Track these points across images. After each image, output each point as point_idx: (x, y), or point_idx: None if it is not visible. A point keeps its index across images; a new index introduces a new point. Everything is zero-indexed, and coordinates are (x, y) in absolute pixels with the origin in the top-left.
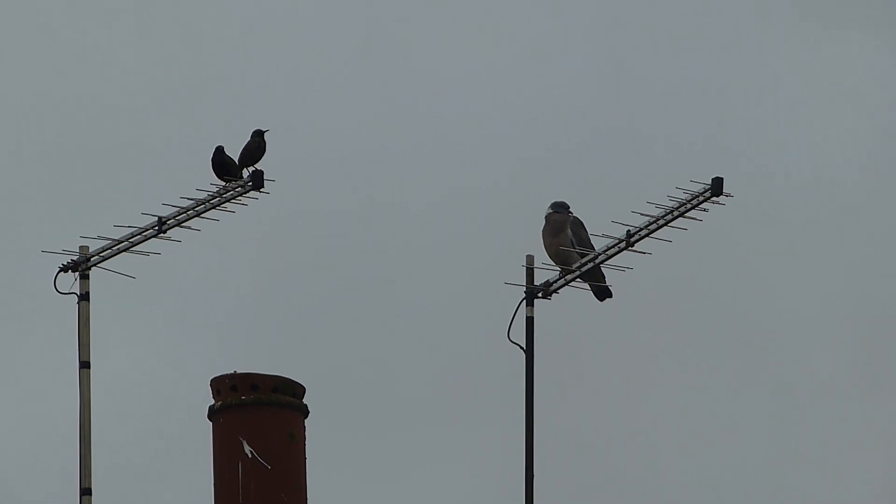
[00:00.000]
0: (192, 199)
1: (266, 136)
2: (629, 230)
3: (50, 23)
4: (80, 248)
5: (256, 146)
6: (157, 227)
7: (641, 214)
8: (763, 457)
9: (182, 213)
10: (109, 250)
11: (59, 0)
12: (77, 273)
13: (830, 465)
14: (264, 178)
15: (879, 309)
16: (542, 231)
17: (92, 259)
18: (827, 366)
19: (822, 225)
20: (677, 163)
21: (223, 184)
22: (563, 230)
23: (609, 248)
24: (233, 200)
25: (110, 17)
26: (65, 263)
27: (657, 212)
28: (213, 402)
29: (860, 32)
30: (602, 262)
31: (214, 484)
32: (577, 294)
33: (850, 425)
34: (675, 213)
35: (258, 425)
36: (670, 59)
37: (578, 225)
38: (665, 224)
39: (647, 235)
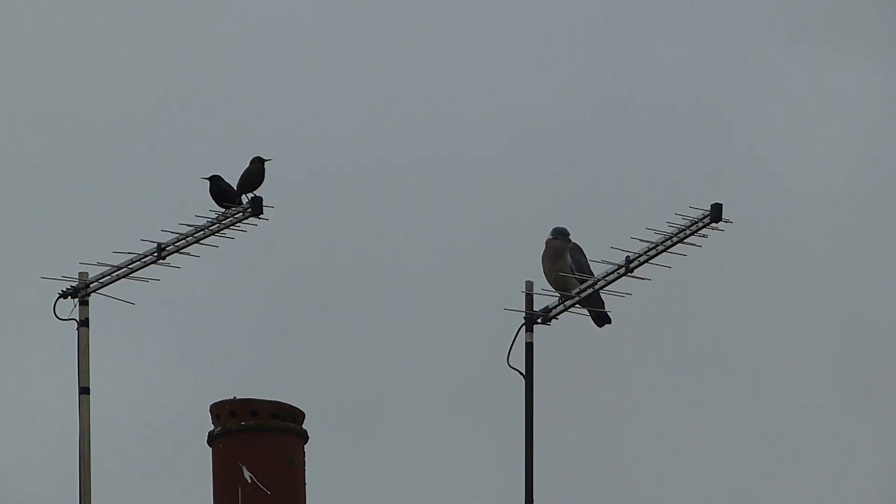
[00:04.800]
0: (191, 226)
1: (266, 162)
2: (628, 256)
3: (52, 47)
4: (80, 274)
5: (255, 172)
6: (156, 254)
7: (641, 240)
8: (759, 479)
9: (181, 240)
10: (109, 276)
11: (60, 21)
12: (76, 299)
13: (823, 485)
14: (263, 204)
15: (875, 334)
16: (542, 257)
17: (91, 285)
18: (823, 390)
19: (820, 249)
20: (677, 189)
21: (222, 210)
22: (563, 256)
23: (608, 274)
24: (232, 227)
25: (111, 42)
26: (64, 289)
27: (656, 238)
28: (212, 427)
29: (856, 52)
30: (601, 287)
31: None
32: (577, 320)
33: (842, 448)
34: (675, 240)
35: (258, 451)
36: (669, 84)
37: (578, 251)
38: (664, 250)
39: (646, 261)
